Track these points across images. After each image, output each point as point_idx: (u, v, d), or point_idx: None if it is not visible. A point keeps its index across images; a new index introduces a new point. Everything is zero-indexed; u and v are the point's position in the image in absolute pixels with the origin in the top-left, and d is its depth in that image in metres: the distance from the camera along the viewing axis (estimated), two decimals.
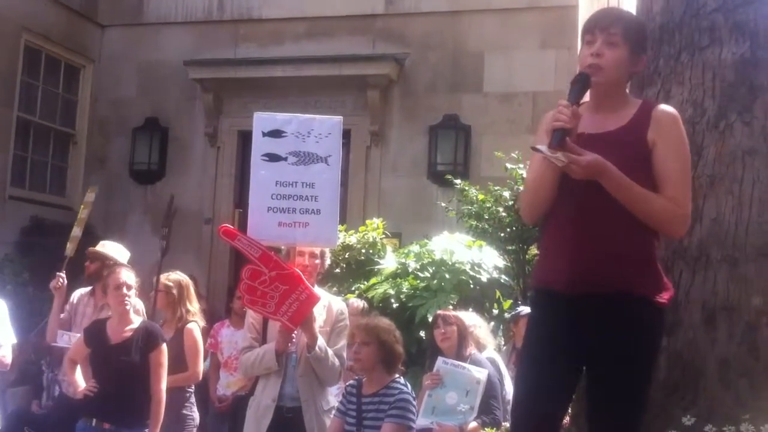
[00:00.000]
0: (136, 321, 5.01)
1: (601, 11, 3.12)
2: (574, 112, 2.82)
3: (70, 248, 6.09)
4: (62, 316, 5.87)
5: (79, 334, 5.31)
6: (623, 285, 2.83)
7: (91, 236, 9.00)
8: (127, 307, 4.94)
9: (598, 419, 2.97)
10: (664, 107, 3.02)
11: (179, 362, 5.37)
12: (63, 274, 5.85)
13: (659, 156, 2.88)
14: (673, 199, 2.85)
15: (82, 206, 6.44)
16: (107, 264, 5.73)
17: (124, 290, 4.90)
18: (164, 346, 5.01)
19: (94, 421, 4.84)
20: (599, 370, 2.91)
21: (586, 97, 3.07)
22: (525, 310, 6.08)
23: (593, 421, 2.98)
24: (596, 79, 2.94)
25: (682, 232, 2.98)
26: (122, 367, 4.82)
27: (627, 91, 3.15)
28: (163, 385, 4.97)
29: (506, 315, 6.78)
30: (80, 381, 5.07)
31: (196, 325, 5.64)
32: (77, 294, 5.96)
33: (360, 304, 6.12)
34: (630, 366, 2.86)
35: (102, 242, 6.28)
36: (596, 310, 2.84)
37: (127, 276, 4.97)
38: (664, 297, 2.91)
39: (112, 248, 6.09)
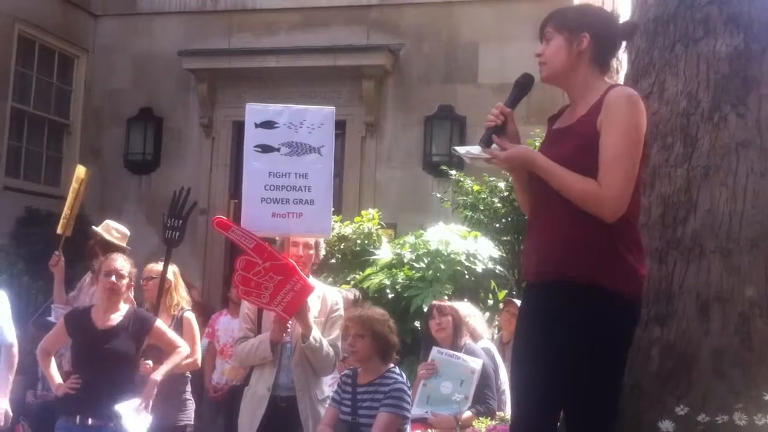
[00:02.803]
0: (124, 308, 4.87)
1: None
2: (501, 111, 3.02)
3: (61, 225, 6.20)
4: (71, 294, 5.96)
5: None
6: (580, 273, 2.84)
7: (85, 226, 9.02)
8: (114, 296, 4.79)
9: (568, 411, 2.99)
10: (617, 90, 2.98)
11: None
12: (59, 252, 5.94)
13: (600, 139, 2.89)
14: (600, 182, 2.84)
15: (73, 183, 6.50)
16: (98, 241, 5.87)
17: (113, 278, 4.75)
18: (159, 323, 4.98)
19: (78, 418, 4.61)
20: (564, 358, 2.91)
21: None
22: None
23: (566, 413, 3.01)
24: (543, 74, 3.08)
25: (612, 215, 2.86)
26: (112, 354, 4.66)
27: (609, 79, 3.13)
28: (185, 347, 5.06)
29: (500, 305, 6.80)
30: (57, 376, 4.84)
31: (192, 313, 5.67)
32: (88, 276, 6.06)
33: (351, 295, 6.12)
34: (590, 355, 2.85)
35: (105, 221, 6.39)
36: (555, 299, 2.89)
37: (121, 264, 4.84)
38: (627, 286, 2.88)
39: (106, 227, 6.21)
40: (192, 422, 5.75)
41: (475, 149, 3.08)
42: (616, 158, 2.86)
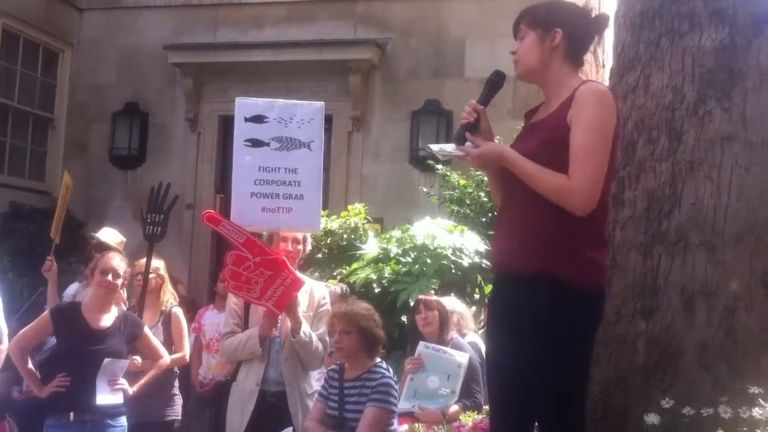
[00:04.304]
0: (114, 309, 4.84)
1: None
2: (474, 108, 3.05)
3: (53, 230, 6.20)
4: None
5: None
6: (534, 266, 2.86)
7: (71, 222, 8.98)
8: (109, 295, 4.75)
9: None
10: (587, 85, 3.00)
11: (167, 346, 5.38)
12: (52, 257, 5.94)
13: (570, 134, 2.90)
14: (570, 175, 2.85)
15: (62, 189, 6.49)
16: (95, 245, 5.86)
17: (110, 277, 4.70)
18: (146, 329, 5.00)
19: (72, 415, 4.54)
20: (516, 350, 2.92)
21: None
22: None
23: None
24: (517, 71, 3.11)
25: (581, 208, 2.87)
26: (106, 355, 4.62)
27: (584, 76, 3.16)
28: (167, 357, 5.08)
29: (486, 300, 6.82)
30: (37, 376, 4.76)
31: (179, 308, 5.68)
32: (72, 289, 6.05)
33: (338, 289, 6.13)
34: (539, 348, 2.84)
35: (103, 229, 6.45)
36: (510, 290, 2.96)
37: (118, 263, 4.78)
38: (583, 281, 2.86)
39: (105, 234, 6.22)
40: (179, 417, 5.75)
41: (449, 147, 3.12)
42: (585, 152, 2.87)
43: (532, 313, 2.85)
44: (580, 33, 3.11)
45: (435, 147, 3.17)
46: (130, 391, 4.77)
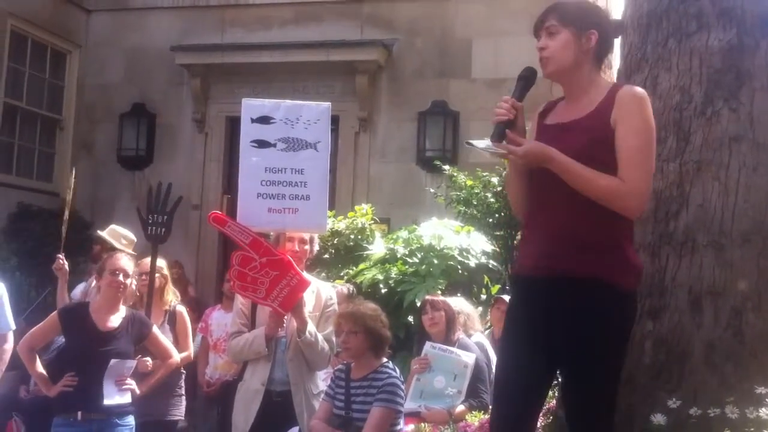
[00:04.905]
0: (122, 309, 4.85)
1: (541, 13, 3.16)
2: (513, 105, 2.98)
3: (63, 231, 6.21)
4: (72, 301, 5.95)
5: None
6: (585, 269, 2.85)
7: (77, 222, 9.01)
8: (119, 295, 4.77)
9: (570, 405, 3.00)
10: (629, 88, 3.03)
11: (173, 344, 5.38)
12: (62, 255, 5.94)
13: (618, 136, 2.91)
14: (622, 177, 2.86)
15: (69, 190, 6.49)
16: (105, 248, 5.85)
17: (121, 277, 4.72)
18: (155, 329, 5.01)
19: (80, 414, 4.56)
20: (566, 353, 2.93)
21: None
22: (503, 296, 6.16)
23: (567, 406, 3.01)
24: (548, 69, 3.05)
25: (635, 210, 2.93)
26: (114, 356, 4.65)
27: (604, 76, 3.16)
28: (177, 356, 5.09)
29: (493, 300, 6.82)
30: (46, 376, 4.77)
31: (183, 306, 5.69)
32: (79, 289, 6.04)
33: (345, 289, 6.14)
34: (594, 350, 2.87)
35: (111, 227, 6.40)
36: (558, 294, 2.89)
37: (127, 263, 4.81)
38: (629, 280, 2.92)
39: (113, 233, 6.20)
40: (183, 418, 5.75)
41: (483, 143, 3.01)
42: (639, 155, 2.90)
43: (578, 315, 2.85)
44: (609, 36, 3.14)
45: (480, 143, 3.02)
46: (137, 391, 4.78)
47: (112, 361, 4.61)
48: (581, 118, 3.00)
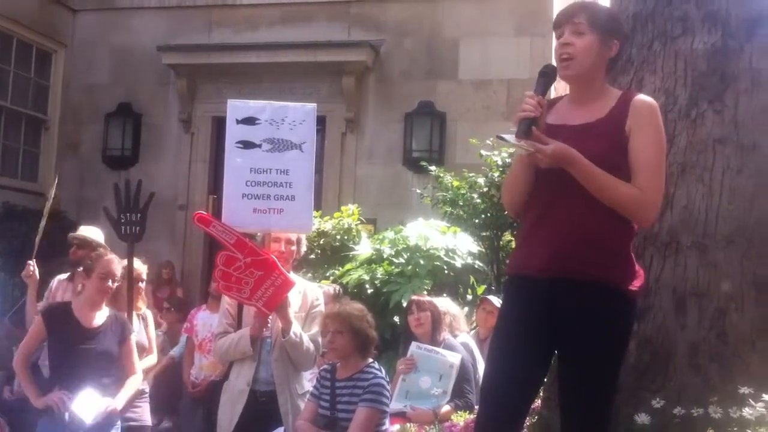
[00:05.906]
0: (105, 309, 4.83)
1: (567, 6, 3.13)
2: (539, 102, 2.90)
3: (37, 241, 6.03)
4: (41, 304, 5.80)
5: None
6: (594, 272, 2.85)
7: (63, 222, 8.94)
8: (105, 297, 4.78)
9: (568, 405, 2.99)
10: (643, 97, 3.05)
11: (140, 347, 5.29)
12: (32, 262, 5.78)
13: (634, 145, 2.92)
14: (641, 187, 2.88)
15: (48, 202, 6.35)
16: (79, 243, 5.76)
17: (110, 282, 4.73)
18: (133, 336, 4.96)
19: (67, 416, 4.50)
20: (569, 355, 2.94)
21: (567, 90, 3.14)
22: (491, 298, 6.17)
23: (564, 406, 3.01)
24: (569, 71, 2.99)
25: (651, 219, 3.01)
26: (99, 353, 4.64)
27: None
28: (140, 375, 4.98)
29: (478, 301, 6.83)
30: (36, 389, 4.69)
31: (149, 310, 5.63)
32: (56, 281, 5.90)
33: (332, 290, 6.14)
34: (599, 353, 2.88)
35: (82, 227, 6.26)
36: (566, 296, 2.87)
37: (117, 268, 4.81)
38: (635, 285, 2.94)
39: (93, 233, 6.10)
40: (149, 423, 5.59)
41: (512, 138, 2.92)
42: (656, 166, 2.94)
43: (589, 318, 2.85)
44: (625, 47, 3.22)
45: (511, 138, 2.92)
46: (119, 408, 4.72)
47: (84, 392, 4.54)
48: (594, 122, 2.98)
